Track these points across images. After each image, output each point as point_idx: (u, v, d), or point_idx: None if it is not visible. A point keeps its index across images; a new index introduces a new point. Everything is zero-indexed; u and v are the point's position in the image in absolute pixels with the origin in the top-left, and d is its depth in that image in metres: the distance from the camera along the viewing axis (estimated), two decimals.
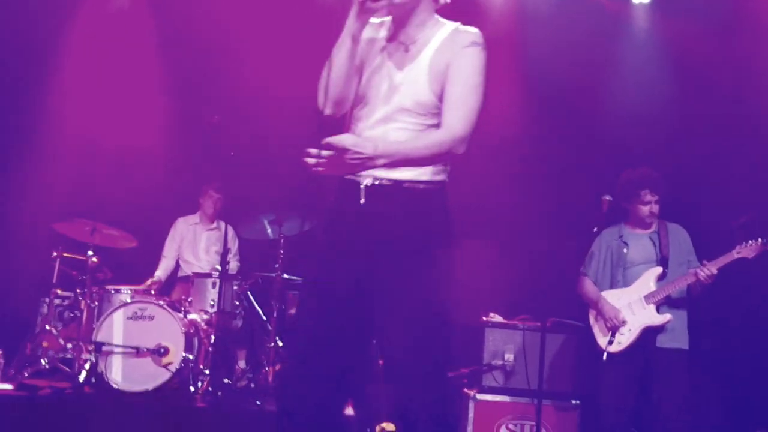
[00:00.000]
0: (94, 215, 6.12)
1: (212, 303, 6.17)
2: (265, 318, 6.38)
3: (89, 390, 5.56)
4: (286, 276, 6.38)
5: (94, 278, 6.10)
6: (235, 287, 6.30)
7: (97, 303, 6.05)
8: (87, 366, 5.62)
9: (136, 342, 5.70)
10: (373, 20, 2.98)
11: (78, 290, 6.15)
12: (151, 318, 5.82)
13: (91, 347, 5.69)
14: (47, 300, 6.25)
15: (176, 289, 6.70)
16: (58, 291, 6.21)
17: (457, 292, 6.42)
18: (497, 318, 6.02)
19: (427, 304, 2.83)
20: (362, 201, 2.87)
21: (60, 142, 6.99)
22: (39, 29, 6.93)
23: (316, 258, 2.99)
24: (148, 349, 5.67)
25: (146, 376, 5.63)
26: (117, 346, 5.68)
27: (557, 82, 7.15)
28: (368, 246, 2.86)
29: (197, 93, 7.10)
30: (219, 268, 6.07)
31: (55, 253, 6.16)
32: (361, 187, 2.88)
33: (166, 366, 5.68)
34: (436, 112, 2.88)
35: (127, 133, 6.93)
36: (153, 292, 6.30)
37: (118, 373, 5.64)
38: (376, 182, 2.87)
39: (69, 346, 5.90)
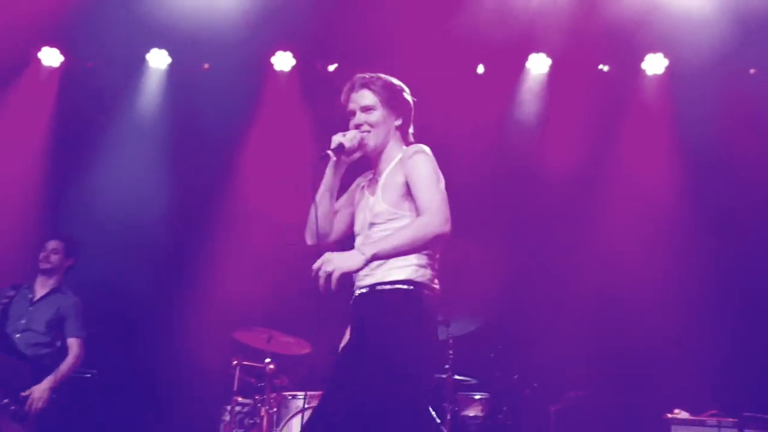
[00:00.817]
0: (270, 323, 6.34)
1: None
2: (438, 420, 6.30)
3: None
4: (457, 377, 6.32)
5: (272, 385, 6.27)
6: None
7: (275, 409, 6.19)
8: None
9: None
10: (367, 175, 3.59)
11: (257, 397, 6.33)
12: None
13: None
14: (229, 407, 6.46)
15: None
16: (239, 398, 6.42)
17: (637, 387, 6.20)
18: (683, 414, 5.68)
19: (374, 390, 3.14)
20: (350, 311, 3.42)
21: (237, 251, 7.37)
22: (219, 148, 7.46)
23: None
24: None
25: None
26: None
27: (718, 151, 7.01)
28: (353, 347, 3.34)
29: None
30: None
31: (235, 361, 6.41)
32: (352, 299, 3.42)
33: None
34: (392, 217, 3.33)
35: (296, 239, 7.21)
36: None
37: None
38: (358, 291, 3.37)
39: None
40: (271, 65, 7.95)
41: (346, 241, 3.56)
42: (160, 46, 7.81)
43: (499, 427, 6.42)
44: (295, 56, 7.91)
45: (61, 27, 7.31)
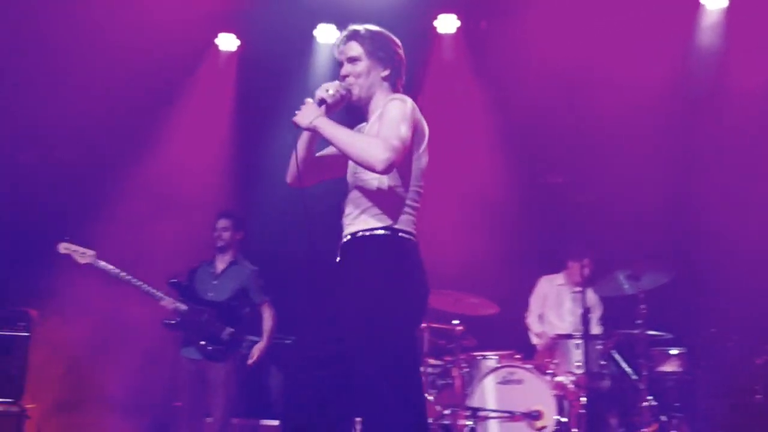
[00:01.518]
0: (456, 285, 6.41)
1: (578, 364, 6.10)
2: (635, 377, 6.16)
3: None
4: (650, 332, 6.14)
5: (461, 346, 6.36)
6: (598, 347, 6.19)
7: (467, 369, 6.27)
8: (465, 431, 5.81)
9: (508, 406, 5.81)
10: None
11: (447, 358, 6.45)
12: (520, 382, 5.92)
13: (467, 413, 5.88)
14: (421, 369, 6.61)
15: (540, 352, 6.73)
16: (430, 360, 6.55)
17: None
18: None
19: (348, 336, 3.25)
20: (338, 259, 3.50)
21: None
22: None
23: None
24: (521, 413, 5.74)
25: None
26: (491, 411, 5.82)
27: None
28: (337, 290, 3.40)
29: (541, 154, 7.27)
30: (581, 329, 6.04)
31: (424, 324, 6.54)
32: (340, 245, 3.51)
33: (540, 430, 5.72)
34: None
35: (478, 201, 7.26)
36: (518, 356, 6.38)
37: None
38: (345, 239, 3.47)
39: (446, 412, 6.17)
40: (435, 29, 7.92)
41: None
42: (326, 21, 7.96)
43: (699, 383, 6.20)
44: (459, 18, 7.85)
45: (234, 12, 7.62)
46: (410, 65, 7.59)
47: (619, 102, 7.14)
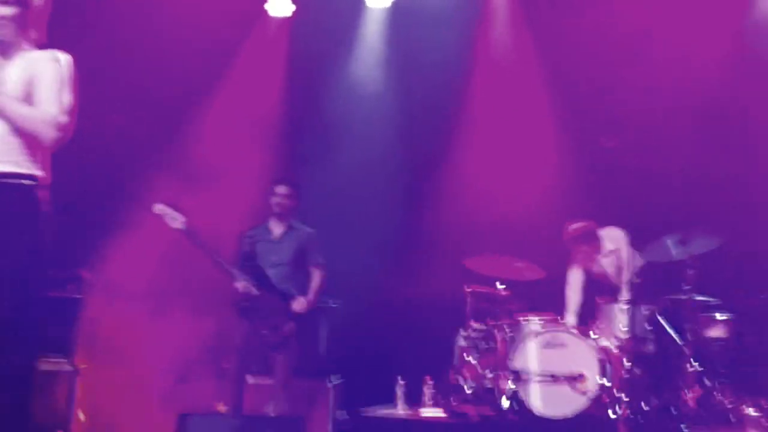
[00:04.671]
0: (501, 249, 6.43)
1: (623, 328, 6.06)
2: (680, 342, 6.10)
3: (513, 416, 5.80)
4: (698, 297, 6.06)
5: (507, 310, 6.40)
6: (644, 312, 6.15)
7: (510, 333, 6.31)
8: (508, 393, 5.87)
9: (552, 369, 5.83)
10: None
11: (491, 322, 6.49)
12: (564, 346, 5.93)
13: (509, 375, 5.93)
14: (464, 332, 6.68)
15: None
16: (473, 323, 6.61)
17: None
18: None
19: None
20: None
21: (463, 182, 7.53)
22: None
23: None
24: (564, 376, 5.77)
25: (565, 403, 5.74)
26: (534, 373, 5.86)
27: None
28: None
29: (590, 120, 7.19)
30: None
31: (468, 288, 6.59)
32: None
33: (582, 392, 5.74)
34: None
35: (522, 165, 7.24)
36: (560, 319, 6.38)
37: (537, 400, 5.81)
38: None
39: (489, 375, 6.23)
40: None
41: None
42: None
43: (745, 350, 6.11)
44: None
45: None
46: (465, 30, 7.60)
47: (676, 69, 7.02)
